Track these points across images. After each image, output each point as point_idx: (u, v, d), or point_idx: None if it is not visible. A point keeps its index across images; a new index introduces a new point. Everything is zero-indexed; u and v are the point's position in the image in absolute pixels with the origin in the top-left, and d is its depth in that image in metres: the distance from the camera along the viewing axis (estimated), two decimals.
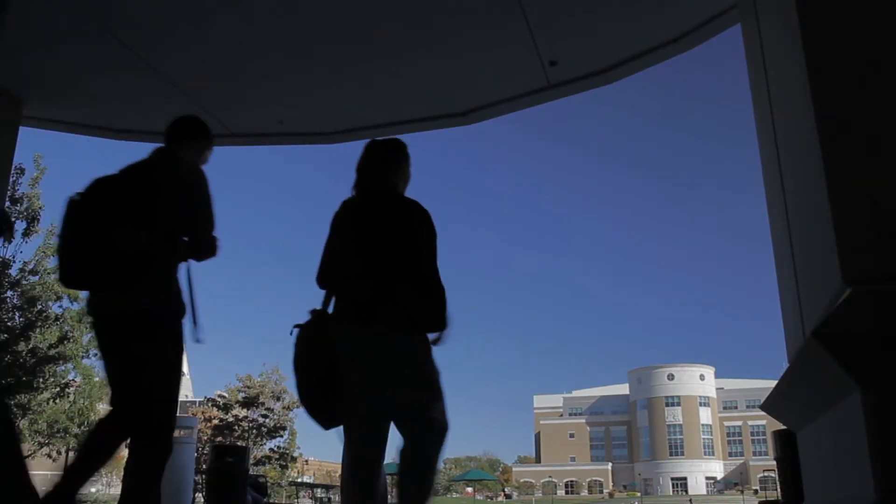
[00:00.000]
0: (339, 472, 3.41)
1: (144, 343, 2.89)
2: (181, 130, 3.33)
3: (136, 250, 2.86)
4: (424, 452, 3.16)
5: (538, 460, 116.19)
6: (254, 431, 30.04)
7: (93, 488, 62.68)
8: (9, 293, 16.87)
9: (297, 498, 25.16)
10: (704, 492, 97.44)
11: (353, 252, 3.09)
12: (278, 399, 31.29)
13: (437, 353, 3.20)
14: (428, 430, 3.16)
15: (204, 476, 13.54)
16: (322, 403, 3.12)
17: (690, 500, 51.48)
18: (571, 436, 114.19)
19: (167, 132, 3.33)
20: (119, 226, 2.87)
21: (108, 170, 3.14)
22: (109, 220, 2.88)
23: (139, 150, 3.32)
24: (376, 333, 2.98)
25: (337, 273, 3.18)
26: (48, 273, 18.08)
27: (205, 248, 3.11)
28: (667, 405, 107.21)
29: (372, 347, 2.99)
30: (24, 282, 17.42)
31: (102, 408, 25.94)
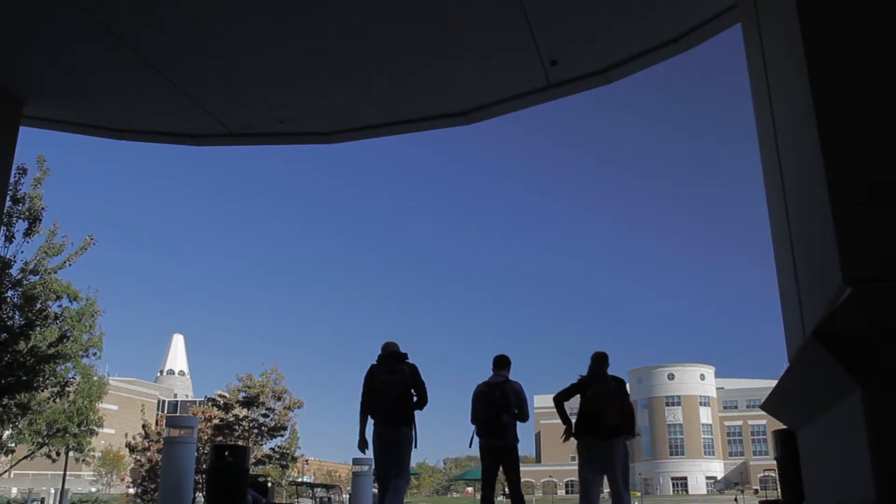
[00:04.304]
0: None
1: (515, 456, 7.07)
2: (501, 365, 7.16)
3: (508, 422, 6.83)
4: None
5: (538, 460, 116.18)
6: (254, 431, 30.04)
7: (93, 488, 62.62)
8: (9, 293, 16.82)
9: (298, 498, 25.14)
10: (704, 491, 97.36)
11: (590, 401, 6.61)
12: (279, 399, 31.24)
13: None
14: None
15: (204, 475, 13.54)
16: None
17: (735, 500, 51.33)
18: None
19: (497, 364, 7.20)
20: (504, 411, 6.79)
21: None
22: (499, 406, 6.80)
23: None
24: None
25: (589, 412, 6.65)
26: (48, 273, 18.05)
27: (525, 416, 6.93)
28: (667, 405, 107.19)
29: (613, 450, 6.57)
30: (25, 282, 17.37)
31: (101, 407, 25.99)
